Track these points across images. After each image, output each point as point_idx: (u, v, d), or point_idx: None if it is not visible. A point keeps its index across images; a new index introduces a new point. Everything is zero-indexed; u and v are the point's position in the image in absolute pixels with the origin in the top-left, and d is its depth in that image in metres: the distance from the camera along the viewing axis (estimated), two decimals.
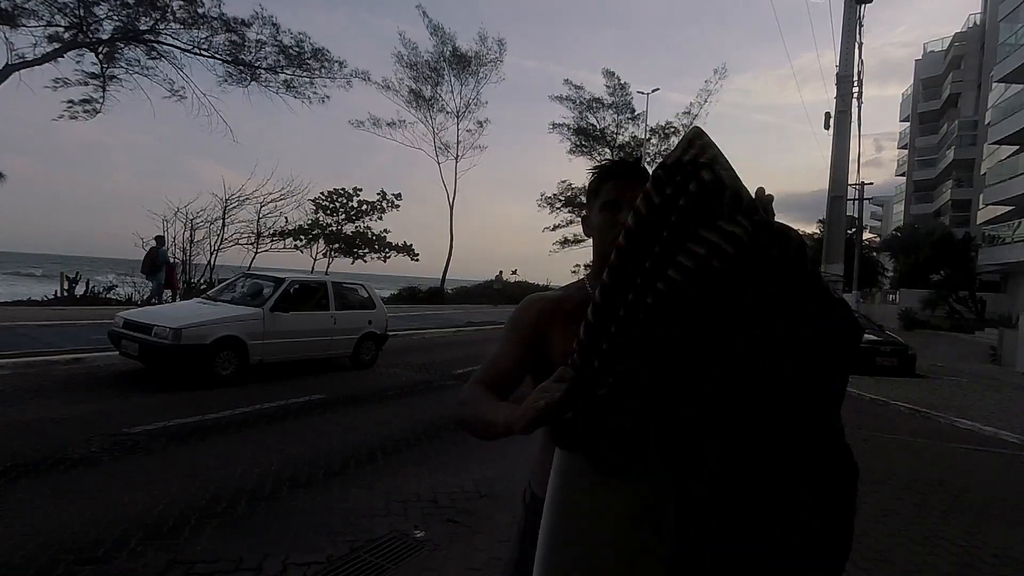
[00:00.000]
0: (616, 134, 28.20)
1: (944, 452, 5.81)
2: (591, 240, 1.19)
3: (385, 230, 24.43)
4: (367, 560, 2.85)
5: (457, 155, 25.98)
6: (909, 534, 3.61)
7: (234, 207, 16.44)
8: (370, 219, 23.83)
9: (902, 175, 47.93)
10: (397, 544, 3.04)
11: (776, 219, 0.87)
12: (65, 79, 13.77)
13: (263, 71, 15.94)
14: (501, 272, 31.77)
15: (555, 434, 0.86)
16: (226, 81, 15.84)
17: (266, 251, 18.22)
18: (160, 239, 13.44)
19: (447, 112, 25.30)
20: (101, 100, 14.38)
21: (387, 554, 2.93)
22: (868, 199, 34.52)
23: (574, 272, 33.83)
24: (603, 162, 1.20)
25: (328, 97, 17.22)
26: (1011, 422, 7.24)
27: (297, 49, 16.06)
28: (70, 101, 14.13)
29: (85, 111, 14.39)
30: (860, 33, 11.28)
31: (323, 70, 16.69)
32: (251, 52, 15.62)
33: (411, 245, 25.06)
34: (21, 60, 13.11)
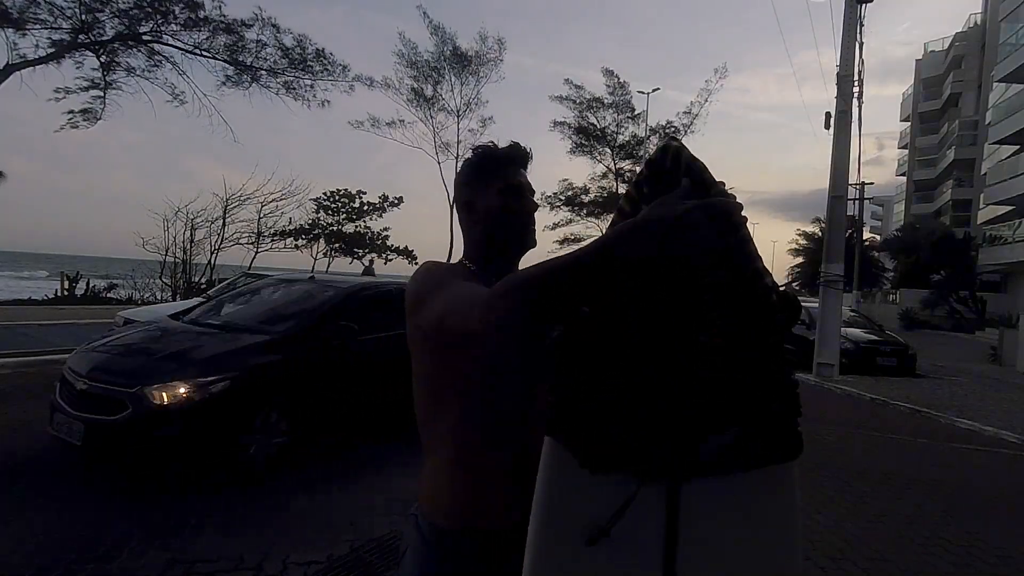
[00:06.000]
0: (616, 133, 28.19)
1: (944, 452, 5.81)
2: (472, 225, 1.13)
3: (385, 229, 24.43)
4: (367, 560, 2.85)
5: (457, 154, 25.95)
6: (909, 534, 3.61)
7: (234, 207, 16.44)
8: (370, 219, 23.83)
9: (903, 175, 47.92)
10: (397, 543, 3.04)
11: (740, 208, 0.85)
12: (66, 88, 13.76)
13: (264, 72, 15.93)
14: None
15: (548, 424, 0.87)
16: (226, 84, 15.85)
17: (267, 250, 18.22)
18: (371, 260, 20.23)
19: (447, 111, 25.29)
20: (102, 107, 14.40)
21: (388, 553, 2.92)
22: (868, 199, 34.50)
23: None
24: (490, 143, 1.14)
25: (328, 101, 17.18)
26: (1011, 422, 7.24)
27: (299, 51, 16.05)
28: (71, 111, 14.15)
29: (85, 119, 14.41)
30: (860, 32, 11.26)
31: (325, 73, 16.69)
32: (252, 53, 15.61)
33: (412, 250, 25.05)
34: (22, 60, 13.11)
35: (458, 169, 1.19)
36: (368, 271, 19.01)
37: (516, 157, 1.12)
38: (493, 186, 1.10)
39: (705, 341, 0.83)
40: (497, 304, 0.82)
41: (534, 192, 1.16)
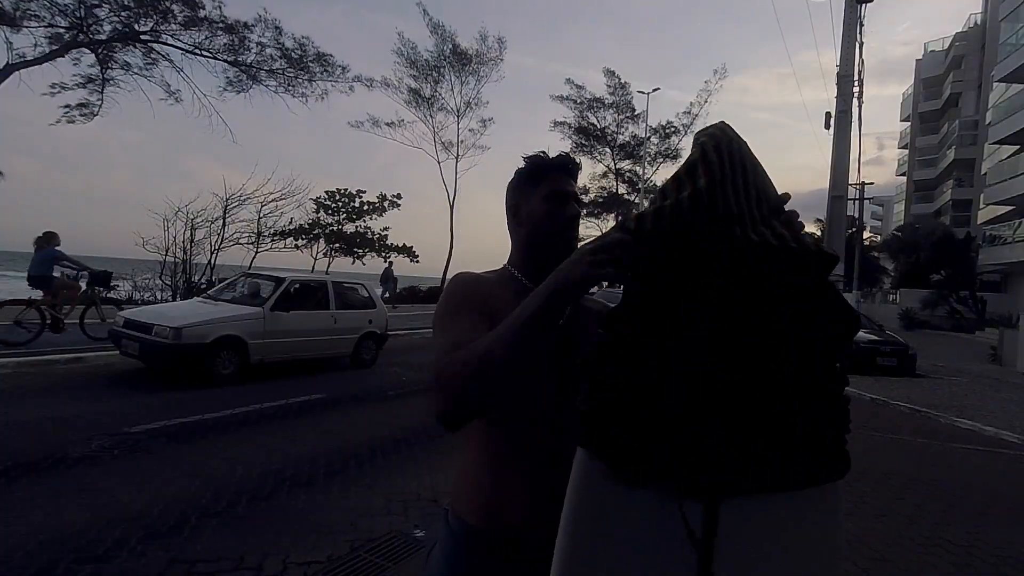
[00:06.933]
0: (616, 133, 28.27)
1: (944, 452, 5.81)
2: (517, 229, 1.16)
3: (385, 228, 24.43)
4: (367, 559, 2.86)
5: (457, 154, 25.96)
6: (909, 534, 3.61)
7: (234, 207, 16.41)
8: (370, 218, 23.84)
9: (903, 175, 47.93)
10: (397, 543, 3.04)
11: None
12: (62, 84, 13.76)
13: (263, 72, 15.94)
14: None
15: (581, 434, 0.84)
16: (227, 89, 15.91)
17: (267, 251, 18.17)
18: (391, 262, 22.38)
19: (447, 111, 25.29)
20: (99, 103, 14.40)
21: (387, 553, 2.93)
22: (868, 199, 34.56)
23: None
24: (541, 153, 1.16)
25: (327, 93, 17.19)
26: (1011, 422, 7.24)
27: (300, 52, 16.09)
28: (67, 106, 14.14)
29: (82, 115, 14.41)
30: (861, 32, 11.27)
31: (324, 74, 16.73)
32: (252, 54, 15.63)
33: (412, 247, 25.08)
34: (21, 59, 13.11)
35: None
36: (387, 273, 21.13)
37: (563, 165, 1.15)
38: (539, 192, 1.13)
39: (745, 350, 0.79)
40: (436, 398, 0.85)
41: (581, 202, 1.18)
